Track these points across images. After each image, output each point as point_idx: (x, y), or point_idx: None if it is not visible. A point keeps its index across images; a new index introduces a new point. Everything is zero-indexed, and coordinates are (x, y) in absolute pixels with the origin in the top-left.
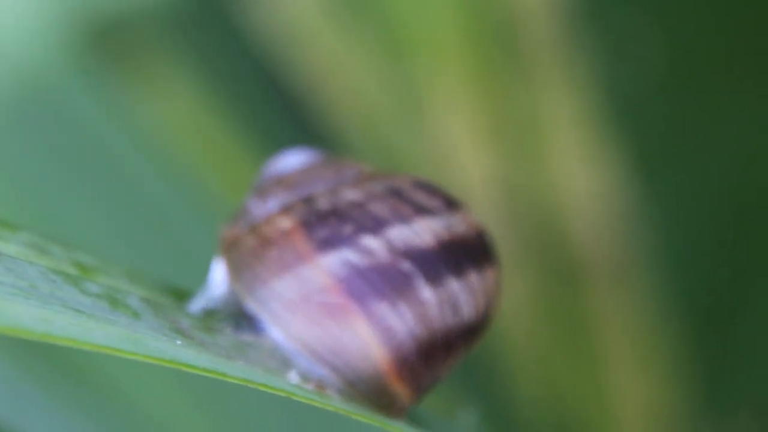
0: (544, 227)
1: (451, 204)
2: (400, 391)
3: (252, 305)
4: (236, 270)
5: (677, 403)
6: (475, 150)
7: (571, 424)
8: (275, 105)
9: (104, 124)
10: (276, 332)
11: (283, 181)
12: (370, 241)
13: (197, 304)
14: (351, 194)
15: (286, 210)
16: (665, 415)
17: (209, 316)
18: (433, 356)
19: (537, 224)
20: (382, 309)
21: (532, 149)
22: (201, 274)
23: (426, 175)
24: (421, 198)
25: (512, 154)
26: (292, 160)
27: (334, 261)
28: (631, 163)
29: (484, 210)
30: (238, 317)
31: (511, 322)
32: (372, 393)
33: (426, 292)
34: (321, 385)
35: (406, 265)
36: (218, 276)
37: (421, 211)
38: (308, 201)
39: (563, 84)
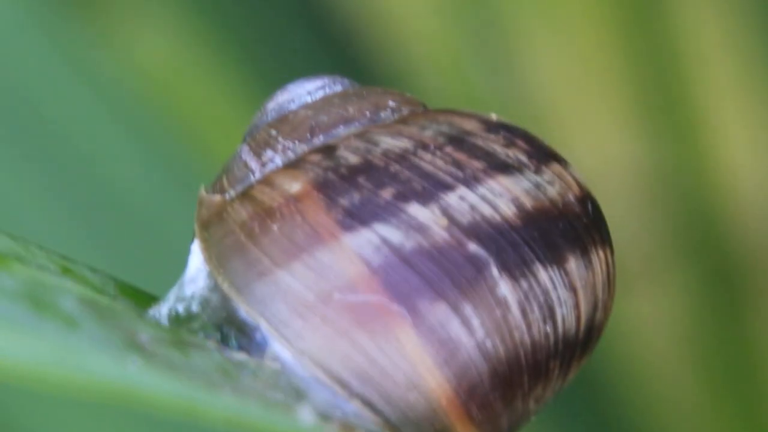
0: (695, 219)
1: (540, 155)
2: None
3: (245, 308)
4: (221, 256)
5: None
6: (588, 107)
7: None
8: (298, 34)
9: (57, 66)
10: (281, 348)
11: (290, 123)
12: (420, 212)
13: (165, 308)
14: (391, 141)
15: (293, 165)
16: None
17: (182, 324)
18: (514, 384)
19: (685, 215)
20: (439, 313)
21: (676, 106)
22: (175, 265)
23: None
24: (496, 146)
25: (645, 115)
26: (303, 91)
27: (366, 241)
28: None
29: (604, 194)
30: (226, 326)
31: (642, 348)
32: None
33: (503, 288)
34: (347, 427)
35: (474, 248)
36: (195, 265)
37: (496, 166)
38: (327, 151)
39: (722, 7)
